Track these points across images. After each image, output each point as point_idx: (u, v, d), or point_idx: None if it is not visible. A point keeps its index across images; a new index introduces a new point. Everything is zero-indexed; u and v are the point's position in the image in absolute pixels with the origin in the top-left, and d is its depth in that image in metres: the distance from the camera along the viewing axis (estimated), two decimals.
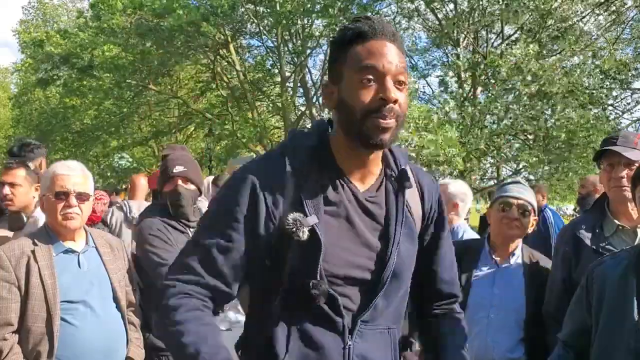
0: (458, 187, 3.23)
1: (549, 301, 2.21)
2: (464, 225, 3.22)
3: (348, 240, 1.24)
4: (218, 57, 17.44)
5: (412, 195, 1.35)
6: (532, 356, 2.21)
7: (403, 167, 1.32)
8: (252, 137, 16.53)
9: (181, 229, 2.65)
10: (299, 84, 17.74)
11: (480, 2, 12.14)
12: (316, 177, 1.24)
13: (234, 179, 1.26)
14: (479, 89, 12.56)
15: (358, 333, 1.24)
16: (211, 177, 4.57)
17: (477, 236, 3.08)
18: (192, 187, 2.71)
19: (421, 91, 14.76)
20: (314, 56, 17.41)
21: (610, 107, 13.44)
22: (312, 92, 17.09)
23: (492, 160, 13.47)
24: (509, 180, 2.61)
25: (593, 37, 13.49)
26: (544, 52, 12.35)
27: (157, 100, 19.75)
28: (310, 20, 15.83)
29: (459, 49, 12.94)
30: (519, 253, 2.36)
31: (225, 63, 18.00)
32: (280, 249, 1.20)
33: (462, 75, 12.76)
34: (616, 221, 2.09)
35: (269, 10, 15.39)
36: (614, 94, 13.16)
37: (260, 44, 18.54)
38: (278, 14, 14.82)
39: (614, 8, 13.34)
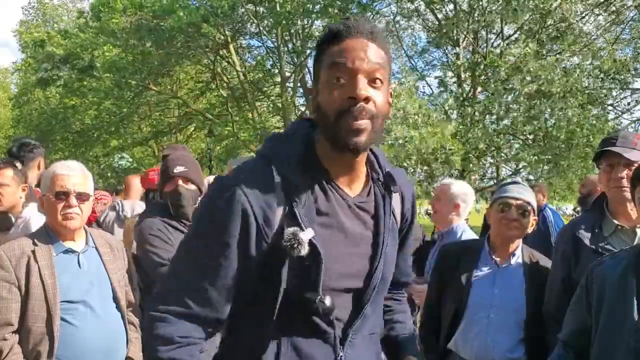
0: (460, 188, 3.22)
1: (548, 301, 2.21)
2: (463, 225, 3.21)
3: (341, 250, 1.20)
4: (218, 57, 17.45)
5: (395, 200, 1.33)
6: (532, 356, 2.21)
7: (388, 169, 1.30)
8: (252, 139, 16.54)
9: (182, 229, 2.65)
10: (299, 84, 17.75)
11: (480, 2, 12.14)
12: (306, 186, 1.18)
13: (218, 196, 1.16)
14: (479, 89, 12.56)
15: (349, 343, 1.22)
16: (211, 177, 4.57)
17: (475, 236, 3.08)
18: (193, 187, 2.71)
19: (421, 91, 14.74)
20: (314, 56, 17.38)
21: (610, 107, 13.46)
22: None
23: (491, 160, 13.48)
24: (508, 180, 2.61)
25: (592, 37, 13.49)
26: (544, 52, 12.35)
27: (157, 100, 19.76)
28: (310, 21, 15.84)
29: (458, 48, 12.95)
30: (519, 253, 2.36)
31: (226, 63, 18.01)
32: (274, 264, 1.14)
33: (462, 75, 12.78)
34: (615, 221, 2.09)
35: (268, 10, 15.39)
36: (614, 94, 13.17)
37: (260, 44, 18.58)
38: (278, 14, 14.83)
39: (613, 8, 13.33)
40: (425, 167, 10.63)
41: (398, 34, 16.69)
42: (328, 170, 1.23)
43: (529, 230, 2.38)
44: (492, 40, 13.85)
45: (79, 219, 2.18)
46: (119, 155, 22.36)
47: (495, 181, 13.11)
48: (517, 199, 2.33)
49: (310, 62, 18.10)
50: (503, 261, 2.35)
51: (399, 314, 1.51)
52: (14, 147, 3.47)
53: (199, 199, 2.85)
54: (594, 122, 11.19)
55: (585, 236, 2.10)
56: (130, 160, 22.69)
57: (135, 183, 4.57)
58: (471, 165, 11.66)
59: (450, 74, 13.38)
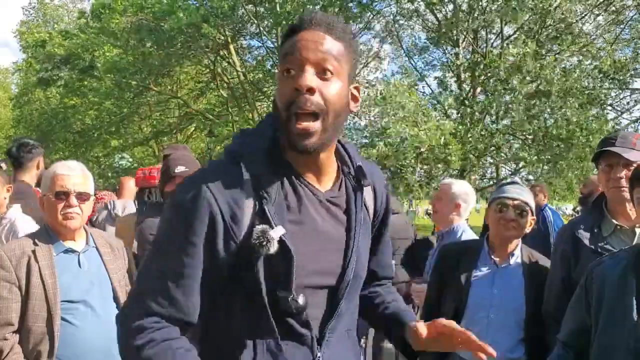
0: (461, 188, 3.22)
1: (548, 301, 2.21)
2: (463, 225, 3.21)
3: (313, 247, 1.17)
4: (218, 57, 17.46)
5: (367, 194, 1.31)
6: (532, 356, 2.21)
7: (359, 163, 1.27)
8: None
9: None
10: None
11: (480, 2, 12.15)
12: (276, 183, 1.15)
13: (184, 195, 1.13)
14: (478, 89, 12.57)
15: (326, 343, 1.20)
16: None
17: (476, 237, 3.08)
18: None
19: (420, 91, 14.75)
20: None
21: (609, 107, 13.46)
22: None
23: (491, 160, 13.48)
24: (506, 181, 2.61)
25: (592, 38, 13.48)
26: (543, 51, 12.36)
27: (158, 100, 19.77)
28: None
29: (457, 48, 12.95)
30: (518, 253, 2.37)
31: (226, 64, 18.02)
32: (245, 263, 1.11)
33: (462, 75, 12.78)
34: (614, 221, 2.10)
35: (268, 11, 15.39)
36: (613, 94, 13.18)
37: (260, 44, 18.57)
38: (278, 14, 14.83)
39: (613, 8, 13.33)
40: (425, 167, 10.63)
41: (398, 34, 16.70)
42: (295, 165, 1.20)
43: (527, 230, 2.39)
44: (492, 40, 13.85)
45: (79, 219, 2.18)
46: (119, 156, 22.37)
47: (495, 181, 13.10)
48: (514, 199, 2.33)
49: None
50: (502, 261, 2.36)
51: (388, 295, 1.47)
52: (12, 147, 3.48)
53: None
54: (593, 121, 11.19)
55: (585, 236, 2.11)
56: (131, 160, 22.70)
57: (129, 184, 4.61)
58: (471, 165, 11.66)
59: (450, 74, 13.38)
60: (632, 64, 12.22)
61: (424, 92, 14.77)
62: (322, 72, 1.13)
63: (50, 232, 2.18)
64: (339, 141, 1.30)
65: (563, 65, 11.82)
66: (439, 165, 10.48)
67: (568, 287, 2.03)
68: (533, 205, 2.40)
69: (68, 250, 2.18)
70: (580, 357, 1.73)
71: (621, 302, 1.61)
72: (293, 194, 1.18)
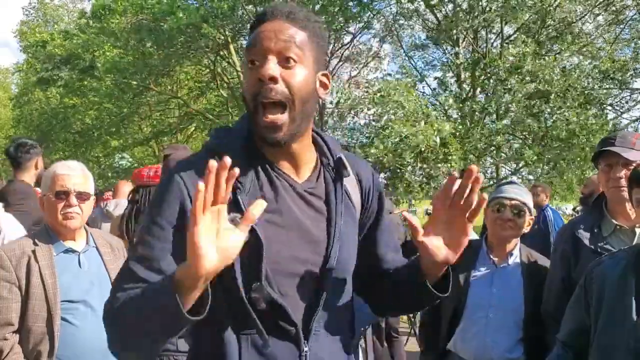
0: None
1: (547, 301, 2.21)
2: None
3: (290, 235, 1.17)
4: (218, 57, 17.46)
5: (350, 183, 1.30)
6: (531, 356, 2.21)
7: (338, 155, 1.27)
8: None
9: None
10: None
11: (480, 2, 12.15)
12: (250, 174, 1.16)
13: (159, 186, 1.17)
14: (478, 89, 12.57)
15: (313, 337, 1.18)
16: None
17: (477, 237, 3.08)
18: None
19: (420, 91, 14.75)
20: None
21: (609, 107, 13.46)
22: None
23: (491, 160, 13.48)
24: (504, 181, 2.62)
25: (591, 37, 13.49)
26: (543, 51, 12.36)
27: (158, 100, 19.78)
28: None
29: (457, 48, 12.96)
30: (516, 253, 2.37)
31: (226, 64, 18.02)
32: None
33: (462, 75, 12.78)
34: (614, 221, 2.10)
35: None
36: (614, 93, 13.18)
37: None
38: None
39: (613, 8, 13.34)
40: (425, 166, 10.64)
41: (398, 34, 16.70)
42: (271, 158, 1.21)
43: (525, 230, 2.39)
44: (492, 40, 13.86)
45: (79, 219, 2.18)
46: (120, 156, 22.38)
47: (494, 181, 13.11)
48: (512, 199, 2.34)
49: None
50: (501, 261, 2.36)
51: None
52: (11, 147, 3.49)
53: None
54: (593, 121, 11.19)
55: (585, 236, 2.11)
56: (131, 160, 22.70)
57: (124, 189, 4.78)
58: (471, 164, 11.65)
59: (450, 74, 13.38)
60: (632, 63, 12.23)
61: (423, 92, 14.80)
62: (285, 61, 1.13)
63: (50, 232, 2.19)
64: (318, 134, 1.30)
65: (563, 65, 11.82)
66: (439, 165, 10.47)
67: (568, 287, 2.04)
68: (531, 205, 2.40)
69: (68, 250, 2.18)
70: (579, 357, 1.73)
71: (621, 302, 1.61)
72: (269, 185, 1.19)
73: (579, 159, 11.38)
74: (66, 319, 2.08)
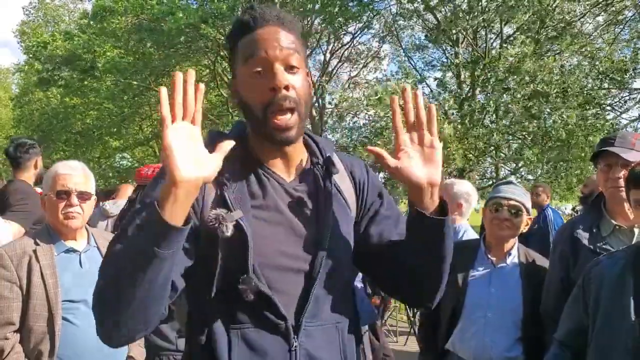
0: (462, 187, 3.22)
1: (546, 301, 2.21)
2: (465, 225, 3.21)
3: (278, 230, 1.19)
4: (219, 58, 17.46)
5: (343, 182, 1.31)
6: (529, 355, 2.22)
7: (328, 154, 1.29)
8: None
9: None
10: None
11: (480, 2, 12.15)
12: (239, 174, 1.19)
13: (154, 177, 1.20)
14: (478, 89, 12.56)
15: (304, 332, 1.17)
16: None
17: (477, 237, 3.09)
18: None
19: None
20: (313, 56, 17.40)
21: (608, 107, 13.45)
22: (312, 92, 17.06)
23: (491, 160, 13.48)
24: (502, 181, 2.63)
25: (591, 38, 13.48)
26: (543, 51, 12.36)
27: (158, 100, 19.77)
28: (309, 21, 15.83)
29: (457, 48, 12.96)
30: (515, 252, 2.38)
31: (226, 64, 18.01)
32: (209, 250, 1.13)
33: (462, 75, 12.78)
34: (613, 221, 2.10)
35: None
36: (613, 92, 13.17)
37: None
38: None
39: (613, 8, 13.33)
40: None
41: (397, 34, 16.70)
42: (262, 158, 1.24)
43: (524, 230, 2.40)
44: (491, 40, 13.86)
45: (80, 218, 2.18)
46: (120, 155, 22.37)
47: (494, 181, 13.11)
48: (509, 199, 2.35)
49: (309, 62, 18.15)
50: (499, 261, 2.37)
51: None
52: (10, 147, 3.50)
53: None
54: (593, 121, 11.19)
55: (584, 236, 2.11)
56: (131, 160, 22.70)
57: (127, 191, 4.82)
58: (470, 164, 11.66)
59: (450, 74, 13.38)
60: (631, 64, 12.22)
61: (423, 92, 14.74)
62: (289, 69, 1.17)
63: (51, 232, 2.19)
64: (309, 135, 1.33)
65: (561, 65, 11.82)
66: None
67: (567, 287, 2.04)
68: (529, 205, 2.41)
69: (69, 250, 2.19)
70: (577, 357, 1.74)
71: (619, 302, 1.62)
72: (257, 183, 1.21)
73: (578, 159, 11.38)
74: (67, 319, 2.09)
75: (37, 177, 3.45)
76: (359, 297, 3.21)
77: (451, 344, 2.35)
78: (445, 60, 15.16)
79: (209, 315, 1.16)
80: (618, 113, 13.85)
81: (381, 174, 10.24)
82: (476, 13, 12.11)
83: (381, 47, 18.52)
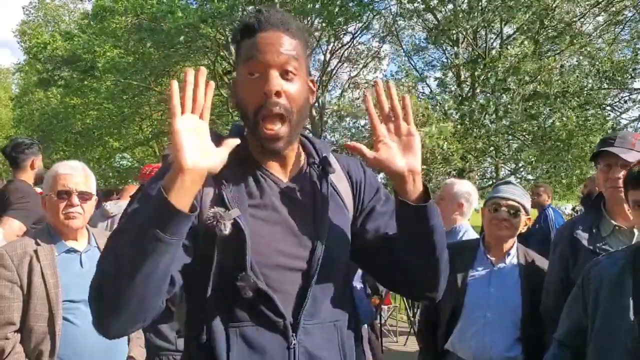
0: (463, 187, 3.22)
1: (546, 301, 2.22)
2: (466, 225, 3.20)
3: (276, 230, 1.20)
4: (219, 57, 17.46)
5: (339, 181, 1.33)
6: (529, 355, 2.22)
7: (324, 154, 1.31)
8: None
9: None
10: None
11: (481, 2, 12.15)
12: (236, 174, 1.20)
13: (154, 174, 1.22)
14: (478, 89, 12.57)
15: (302, 330, 1.18)
16: None
17: (477, 236, 3.09)
18: None
19: (420, 92, 14.74)
20: (313, 56, 17.39)
21: (608, 108, 13.46)
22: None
23: (491, 160, 13.49)
24: (502, 181, 2.64)
25: (590, 38, 13.48)
26: (542, 51, 12.36)
27: (158, 100, 19.77)
28: (309, 21, 15.83)
29: (456, 48, 12.96)
30: (514, 252, 2.38)
31: (226, 64, 18.01)
32: (207, 248, 1.14)
33: (462, 74, 12.78)
34: (613, 221, 2.10)
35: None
36: (613, 93, 13.17)
37: None
38: None
39: (613, 9, 13.33)
40: (424, 167, 10.65)
41: (398, 34, 16.70)
42: (259, 159, 1.25)
43: (522, 230, 2.40)
44: (492, 40, 13.86)
45: (80, 219, 2.18)
46: (120, 156, 22.36)
47: (494, 181, 13.11)
48: (507, 199, 2.35)
49: (310, 61, 18.10)
50: (498, 261, 2.37)
51: None
52: (7, 147, 3.50)
53: None
54: (592, 122, 11.20)
55: (583, 237, 2.11)
56: (131, 160, 22.70)
57: (132, 191, 4.79)
58: (470, 164, 11.67)
59: (450, 74, 13.37)
60: (631, 64, 12.22)
61: (423, 92, 14.79)
62: (285, 74, 1.18)
63: (52, 232, 2.19)
64: (306, 137, 1.35)
65: (561, 65, 11.83)
66: (439, 166, 10.47)
67: (566, 287, 2.04)
68: (528, 205, 2.42)
69: (70, 250, 2.19)
70: (576, 356, 1.74)
71: (618, 302, 1.62)
72: (254, 183, 1.23)
73: (578, 159, 11.38)
74: (67, 319, 2.09)
75: (37, 177, 3.46)
76: (358, 297, 3.22)
77: (451, 344, 2.36)
78: (445, 60, 15.16)
79: (208, 313, 1.17)
80: (618, 113, 13.85)
81: (381, 174, 10.25)
82: (476, 13, 12.12)
83: (381, 47, 18.53)
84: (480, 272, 2.36)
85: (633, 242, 2.02)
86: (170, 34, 14.38)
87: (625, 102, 13.65)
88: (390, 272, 1.31)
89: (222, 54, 17.09)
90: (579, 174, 11.61)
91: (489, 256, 2.39)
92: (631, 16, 13.72)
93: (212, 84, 1.09)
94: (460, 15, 12.30)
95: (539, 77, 10.83)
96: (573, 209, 17.58)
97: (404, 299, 6.20)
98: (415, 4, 13.11)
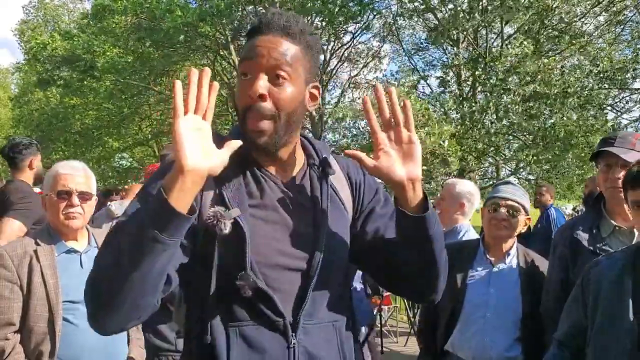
0: (465, 187, 3.21)
1: (546, 302, 2.22)
2: (467, 225, 3.19)
3: (276, 230, 1.21)
4: (218, 57, 17.45)
5: (339, 183, 1.33)
6: (528, 355, 2.22)
7: (324, 156, 1.32)
8: None
9: None
10: None
11: (481, 2, 12.16)
12: (236, 173, 1.21)
13: (153, 175, 1.22)
14: (479, 88, 12.57)
15: (302, 330, 1.19)
16: None
17: (477, 236, 3.08)
18: None
19: (420, 91, 14.75)
20: None
21: (608, 108, 13.47)
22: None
23: (491, 160, 13.50)
24: (501, 181, 2.64)
25: (591, 38, 13.49)
26: (543, 50, 12.37)
27: (157, 100, 19.78)
28: (309, 20, 15.83)
29: (456, 49, 12.96)
30: (514, 253, 2.39)
31: (226, 64, 18.01)
32: (207, 247, 1.15)
33: (462, 74, 12.79)
34: (613, 222, 2.10)
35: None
36: (613, 93, 13.18)
37: None
38: None
39: (614, 9, 13.33)
40: (424, 167, 10.65)
41: (398, 34, 16.70)
42: (259, 163, 1.26)
43: (522, 230, 2.40)
44: (492, 40, 13.86)
45: (81, 219, 2.18)
46: (119, 155, 22.37)
47: (495, 181, 13.11)
48: (507, 199, 2.36)
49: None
50: (498, 261, 2.37)
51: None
52: (5, 147, 3.50)
53: None
54: (593, 122, 11.21)
55: (583, 237, 2.11)
56: (131, 160, 22.70)
57: (136, 190, 4.79)
58: (470, 165, 11.69)
59: (451, 73, 13.38)
60: (631, 64, 12.22)
61: (423, 92, 14.80)
62: (275, 78, 1.18)
63: (52, 232, 2.19)
64: (306, 138, 1.35)
65: (561, 65, 11.84)
66: (438, 166, 10.48)
67: (566, 287, 2.04)
68: (527, 205, 2.42)
69: (70, 251, 2.19)
70: (576, 357, 1.74)
71: (618, 303, 1.62)
72: (254, 184, 1.24)
73: (579, 159, 11.39)
74: (67, 319, 2.09)
75: (36, 177, 3.46)
76: (358, 298, 3.21)
77: (450, 345, 2.35)
78: (445, 60, 15.17)
79: (208, 313, 1.17)
80: (619, 113, 13.86)
81: None
82: (476, 13, 12.12)
83: (381, 47, 18.54)
84: (480, 272, 2.36)
85: (633, 243, 2.02)
86: (169, 33, 14.36)
87: (627, 102, 13.66)
88: (389, 274, 1.32)
89: (221, 53, 17.07)
90: (578, 174, 11.62)
91: (488, 256, 2.39)
92: (632, 16, 13.73)
93: (216, 84, 1.10)
94: (460, 15, 12.30)
95: (539, 77, 10.83)
96: (574, 209, 17.59)
97: (404, 299, 6.20)
98: (416, 4, 13.11)
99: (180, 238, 1.04)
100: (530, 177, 13.13)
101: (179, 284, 1.20)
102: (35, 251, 2.10)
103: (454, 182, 3.31)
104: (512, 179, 11.29)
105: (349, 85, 18.75)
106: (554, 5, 11.86)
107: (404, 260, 1.26)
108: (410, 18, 14.94)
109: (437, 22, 13.56)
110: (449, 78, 13.16)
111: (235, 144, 1.12)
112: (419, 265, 1.25)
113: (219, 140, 1.14)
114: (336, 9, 13.85)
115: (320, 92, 1.31)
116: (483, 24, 12.53)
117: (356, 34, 17.00)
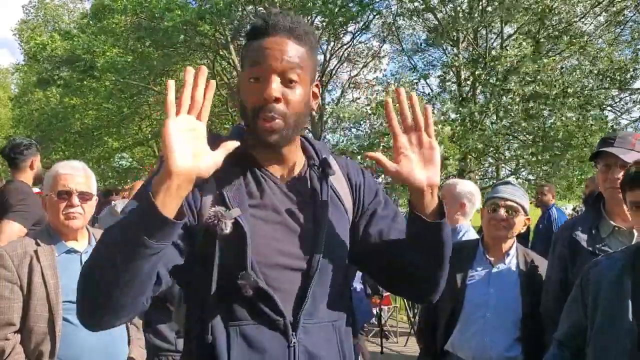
0: (465, 187, 3.21)
1: (546, 302, 2.22)
2: (467, 225, 3.19)
3: (276, 230, 1.21)
4: (218, 57, 17.44)
5: (339, 184, 1.33)
6: (528, 355, 2.23)
7: (324, 156, 1.32)
8: None
9: None
10: None
11: (481, 2, 12.16)
12: (237, 174, 1.22)
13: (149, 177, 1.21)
14: (479, 89, 12.57)
15: (302, 329, 1.19)
16: None
17: (477, 236, 3.09)
18: None
19: (420, 91, 14.74)
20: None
21: (608, 108, 13.47)
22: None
23: (491, 160, 13.50)
24: (501, 181, 2.64)
25: (591, 38, 13.49)
26: (543, 50, 12.37)
27: (157, 100, 19.77)
28: (310, 20, 15.83)
29: (456, 49, 12.96)
30: (513, 253, 2.39)
31: (226, 63, 18.01)
32: (208, 247, 1.16)
33: (462, 74, 12.78)
34: (612, 222, 2.10)
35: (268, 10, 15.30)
36: (613, 93, 13.18)
37: None
38: None
39: (614, 9, 13.33)
40: None
41: (398, 34, 16.70)
42: (259, 159, 1.26)
43: (520, 230, 2.41)
44: (492, 41, 13.85)
45: (81, 219, 2.18)
46: (119, 155, 22.36)
47: (494, 181, 13.11)
48: (506, 199, 2.36)
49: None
50: (497, 261, 2.38)
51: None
52: (6, 148, 3.51)
53: None
54: (592, 122, 11.21)
55: (583, 238, 2.11)
56: (130, 160, 22.69)
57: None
58: (470, 165, 11.70)
59: (451, 73, 13.37)
60: (631, 64, 12.22)
61: (423, 92, 14.80)
62: (287, 81, 1.19)
63: (52, 232, 2.19)
64: (306, 138, 1.36)
65: (560, 65, 11.84)
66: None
67: (566, 287, 2.04)
68: (527, 205, 2.42)
69: (70, 251, 2.18)
70: (576, 357, 1.74)
71: (617, 303, 1.62)
72: (255, 183, 1.24)
73: (579, 159, 11.38)
74: (68, 320, 2.08)
75: (36, 178, 3.46)
76: (358, 298, 3.22)
77: (450, 345, 2.36)
78: (445, 60, 15.16)
79: (208, 312, 1.18)
80: (618, 114, 13.86)
81: (380, 179, 10.29)
82: (475, 13, 12.12)
83: (381, 47, 18.53)
84: (480, 272, 2.37)
85: (632, 243, 2.02)
86: (168, 33, 14.35)
87: (627, 102, 13.66)
88: (391, 275, 1.32)
89: (221, 53, 17.06)
90: (578, 175, 11.62)
91: (488, 256, 2.39)
92: (632, 16, 13.72)
93: (213, 83, 1.08)
94: (460, 15, 12.30)
95: (538, 77, 10.83)
96: (574, 209, 17.59)
97: (404, 299, 6.21)
98: (416, 4, 13.11)
99: (169, 242, 1.04)
100: (530, 177, 13.13)
101: (178, 284, 1.20)
102: (36, 251, 2.10)
103: (455, 182, 3.31)
104: (511, 179, 11.29)
105: (349, 86, 18.76)
106: (554, 6, 11.86)
107: (410, 261, 1.26)
108: (410, 18, 14.93)
109: (437, 22, 13.55)
110: (448, 77, 13.15)
111: (232, 144, 1.12)
112: (428, 267, 1.27)
113: (217, 141, 1.13)
114: (336, 9, 13.84)
115: (320, 89, 1.32)
116: (483, 24, 12.53)
117: (356, 34, 17.01)
